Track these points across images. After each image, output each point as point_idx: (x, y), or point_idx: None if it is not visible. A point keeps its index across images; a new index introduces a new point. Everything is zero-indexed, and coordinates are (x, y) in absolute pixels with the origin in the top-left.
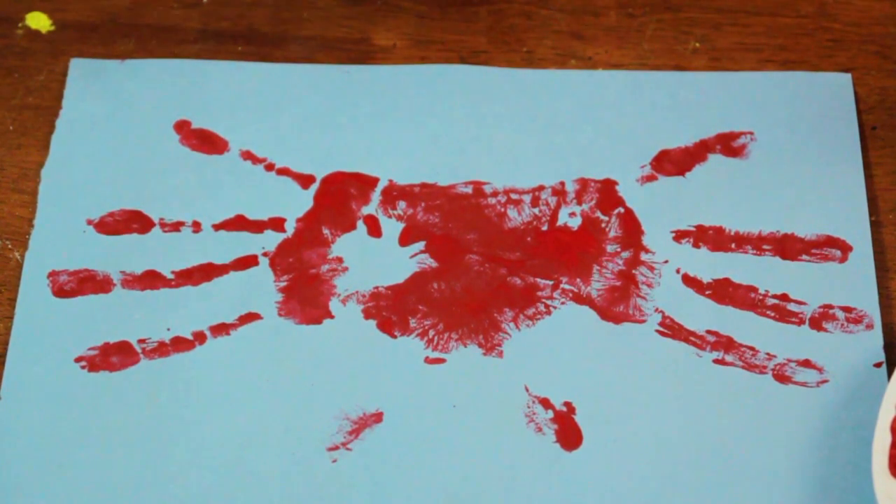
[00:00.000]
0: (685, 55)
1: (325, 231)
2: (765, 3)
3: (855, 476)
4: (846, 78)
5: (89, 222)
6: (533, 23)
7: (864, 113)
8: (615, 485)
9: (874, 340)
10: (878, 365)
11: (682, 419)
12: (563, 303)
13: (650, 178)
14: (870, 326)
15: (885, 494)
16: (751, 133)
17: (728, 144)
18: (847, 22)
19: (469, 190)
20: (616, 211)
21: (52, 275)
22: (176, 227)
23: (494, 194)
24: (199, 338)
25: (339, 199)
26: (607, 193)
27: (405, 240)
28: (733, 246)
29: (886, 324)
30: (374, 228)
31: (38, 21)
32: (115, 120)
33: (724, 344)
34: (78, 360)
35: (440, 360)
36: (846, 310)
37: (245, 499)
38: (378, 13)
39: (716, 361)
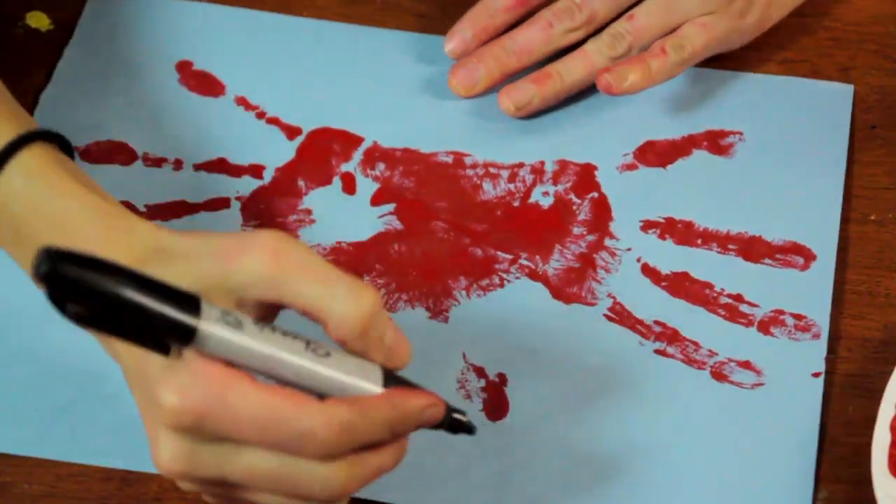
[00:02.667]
0: None
1: (300, 183)
2: None
3: (774, 484)
4: (848, 89)
5: (75, 148)
6: None
7: (864, 112)
8: (532, 459)
9: (818, 350)
10: (816, 375)
11: (612, 404)
12: (517, 277)
13: (630, 167)
14: (816, 336)
15: (885, 494)
16: (740, 133)
17: (715, 142)
18: (847, 21)
19: (449, 159)
20: (590, 195)
21: None
22: (158, 162)
23: (474, 166)
24: None
25: (321, 153)
26: (585, 177)
27: (377, 200)
28: (699, 242)
29: (886, 325)
30: (350, 186)
31: (38, 20)
32: (121, 54)
33: (669, 336)
34: None
35: None
36: (797, 317)
37: None
38: (377, 13)
39: (657, 352)
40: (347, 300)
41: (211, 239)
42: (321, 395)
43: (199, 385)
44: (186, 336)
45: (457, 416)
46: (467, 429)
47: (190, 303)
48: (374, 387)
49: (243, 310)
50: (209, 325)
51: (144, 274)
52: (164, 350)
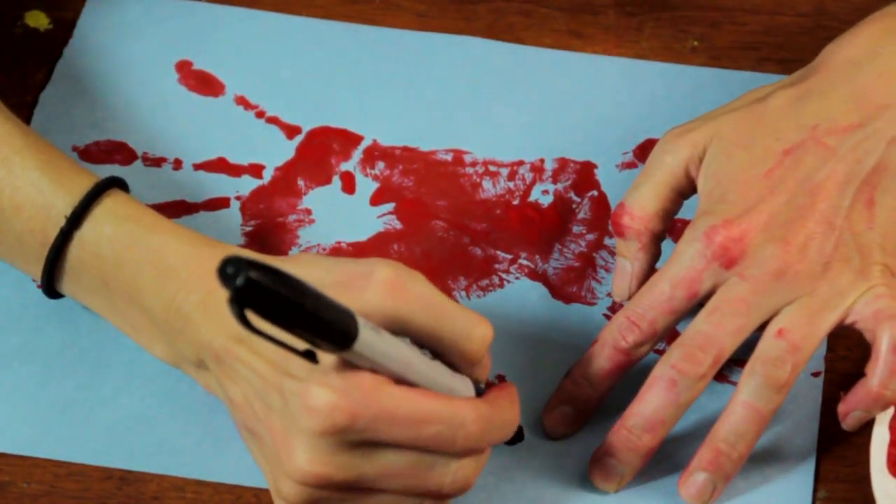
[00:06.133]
0: (683, 53)
1: (300, 182)
2: (763, 2)
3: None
4: None
5: (74, 148)
6: (531, 21)
7: None
8: (532, 459)
9: (817, 350)
10: (816, 374)
11: (611, 404)
12: (517, 277)
13: (630, 165)
14: None
15: (884, 493)
16: None
17: None
18: (845, 21)
19: (449, 157)
20: (589, 194)
21: None
22: (157, 162)
23: (473, 164)
24: None
25: (321, 152)
26: (584, 175)
27: (376, 199)
28: None
29: None
30: (349, 185)
31: (37, 20)
32: (121, 53)
33: (670, 336)
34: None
35: None
36: None
37: (176, 427)
38: (377, 12)
39: (657, 351)
40: (464, 336)
41: (329, 266)
42: None
43: (352, 386)
44: (348, 341)
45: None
46: (520, 437)
47: (346, 314)
48: (472, 388)
49: None
50: (365, 331)
51: (313, 286)
52: (312, 358)
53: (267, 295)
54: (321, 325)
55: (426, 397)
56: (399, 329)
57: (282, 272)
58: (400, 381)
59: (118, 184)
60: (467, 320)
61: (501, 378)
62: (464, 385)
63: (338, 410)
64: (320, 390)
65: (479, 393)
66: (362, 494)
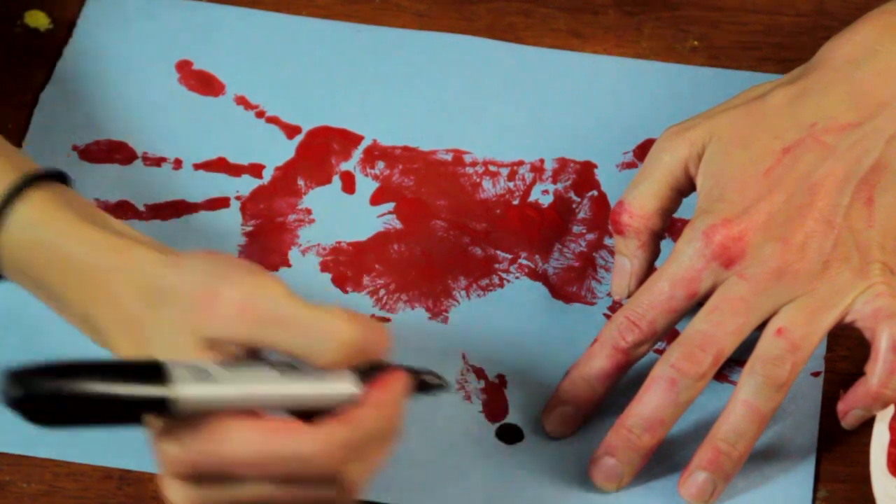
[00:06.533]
0: (683, 53)
1: (300, 182)
2: (763, 2)
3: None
4: None
5: (75, 148)
6: (531, 21)
7: None
8: (531, 460)
9: (817, 350)
10: (815, 374)
11: (611, 404)
12: (517, 277)
13: (630, 165)
14: None
15: (884, 493)
16: None
17: None
18: (845, 20)
19: (449, 157)
20: (589, 193)
21: None
22: (157, 162)
23: (473, 164)
24: None
25: (321, 152)
26: (584, 175)
27: (376, 199)
28: None
29: None
30: (349, 185)
31: (37, 19)
32: (121, 53)
33: (669, 336)
34: None
35: (385, 320)
36: None
37: None
38: (377, 12)
39: (657, 351)
40: (319, 348)
41: (201, 277)
42: (307, 412)
43: (189, 437)
44: (162, 407)
45: (427, 378)
46: (440, 387)
47: (157, 372)
48: (350, 385)
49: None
50: (183, 388)
51: (106, 361)
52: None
53: (54, 401)
54: (128, 410)
55: (269, 437)
56: (254, 347)
57: (67, 366)
58: (252, 410)
59: (50, 176)
60: (321, 331)
61: (501, 378)
62: (340, 383)
63: (179, 463)
64: (161, 443)
65: (372, 373)
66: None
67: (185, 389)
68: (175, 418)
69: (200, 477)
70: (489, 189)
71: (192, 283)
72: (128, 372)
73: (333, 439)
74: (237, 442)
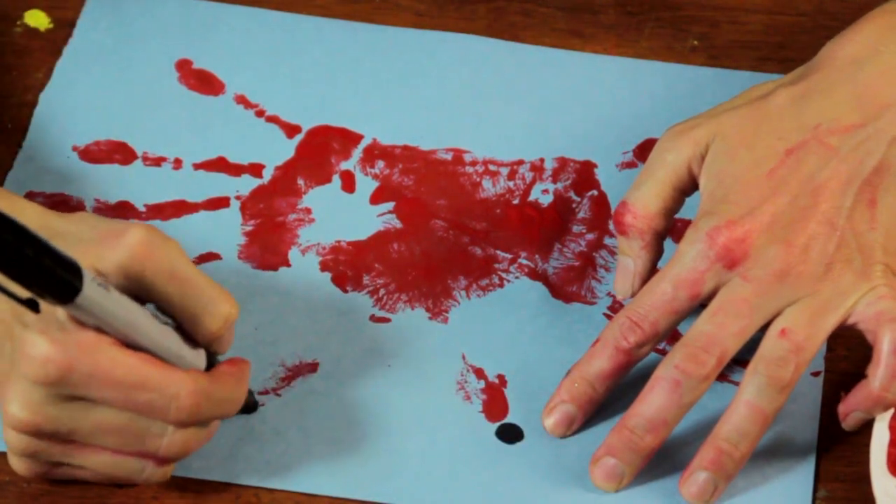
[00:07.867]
0: (684, 53)
1: (300, 181)
2: (763, 1)
3: (774, 483)
4: None
5: (74, 148)
6: (532, 20)
7: None
8: (531, 460)
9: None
10: (815, 374)
11: (611, 404)
12: (517, 277)
13: (630, 165)
14: None
15: (884, 492)
16: None
17: None
18: (845, 20)
19: (449, 157)
20: (589, 193)
21: (28, 196)
22: (157, 161)
23: (473, 163)
24: None
25: (321, 151)
26: (584, 175)
27: (376, 199)
28: None
29: None
30: (349, 184)
31: (37, 19)
32: (121, 53)
33: (671, 337)
34: None
35: (385, 320)
36: None
37: None
38: (377, 11)
39: (657, 351)
40: (206, 311)
41: (95, 223)
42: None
43: (71, 341)
44: (69, 294)
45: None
46: (254, 408)
47: (72, 267)
48: (203, 360)
49: None
50: (91, 288)
51: (38, 234)
52: (34, 308)
53: None
54: (42, 275)
55: (144, 363)
56: (142, 293)
57: (5, 217)
58: (127, 344)
59: None
60: (211, 297)
61: (501, 378)
62: (197, 357)
63: (51, 363)
64: (38, 339)
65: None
66: (80, 449)
67: (89, 289)
68: (65, 314)
69: (61, 383)
70: (489, 188)
71: (94, 227)
72: (50, 251)
73: (198, 386)
74: (115, 359)
